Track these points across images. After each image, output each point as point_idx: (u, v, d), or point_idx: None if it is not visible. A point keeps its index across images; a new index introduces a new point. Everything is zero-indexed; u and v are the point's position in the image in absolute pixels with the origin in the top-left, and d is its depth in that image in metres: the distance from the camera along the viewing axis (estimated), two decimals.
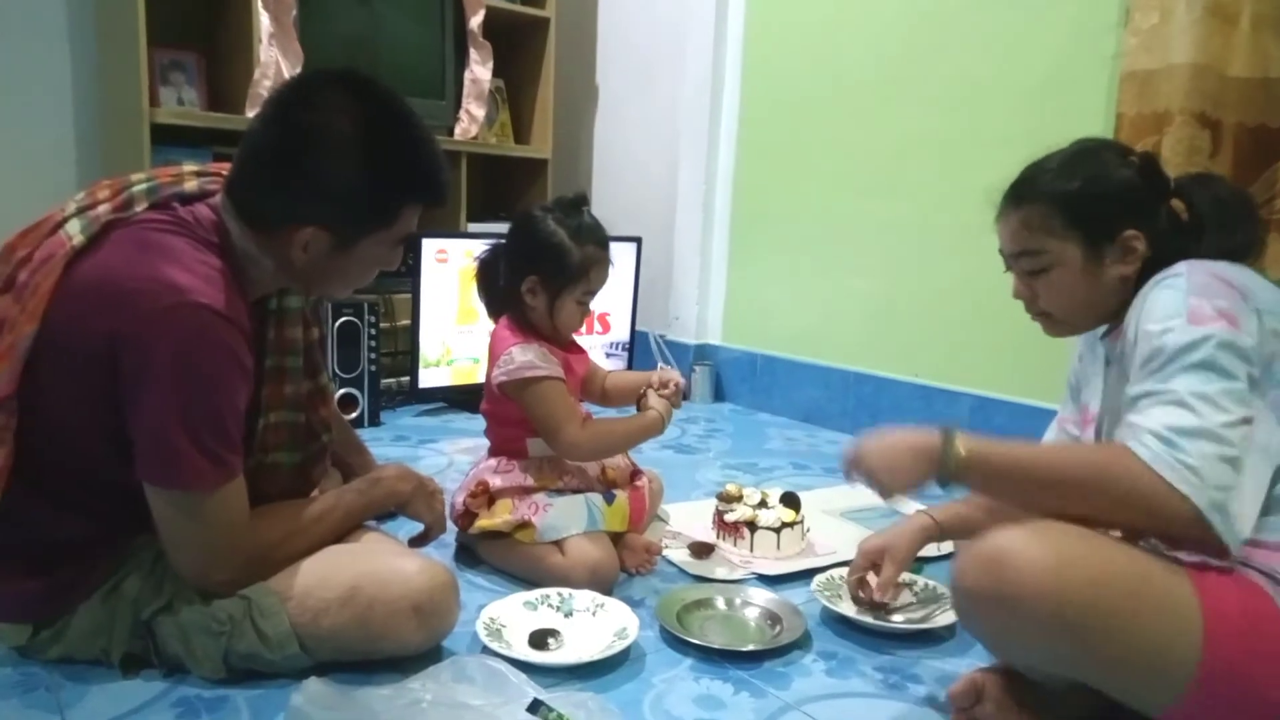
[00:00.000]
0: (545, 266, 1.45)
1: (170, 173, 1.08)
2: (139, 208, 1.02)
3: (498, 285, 1.52)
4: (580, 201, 1.49)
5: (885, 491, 1.12)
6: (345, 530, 1.14)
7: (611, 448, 1.51)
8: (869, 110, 2.44)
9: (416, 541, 1.29)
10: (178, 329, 0.93)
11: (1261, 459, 0.90)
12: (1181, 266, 0.99)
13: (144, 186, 1.04)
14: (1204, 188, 1.09)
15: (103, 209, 1.01)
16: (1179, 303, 0.94)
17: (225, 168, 1.09)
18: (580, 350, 1.58)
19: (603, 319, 2.81)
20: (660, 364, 1.67)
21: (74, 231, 0.98)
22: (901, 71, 2.34)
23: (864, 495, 1.90)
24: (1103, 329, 1.15)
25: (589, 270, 1.46)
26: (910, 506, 1.83)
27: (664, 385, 1.56)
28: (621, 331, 2.88)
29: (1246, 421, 0.89)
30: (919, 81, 2.30)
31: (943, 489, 1.05)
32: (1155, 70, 1.74)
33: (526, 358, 1.44)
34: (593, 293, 1.49)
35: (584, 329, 1.65)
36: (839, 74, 2.50)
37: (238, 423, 1.01)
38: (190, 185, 1.06)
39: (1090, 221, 1.06)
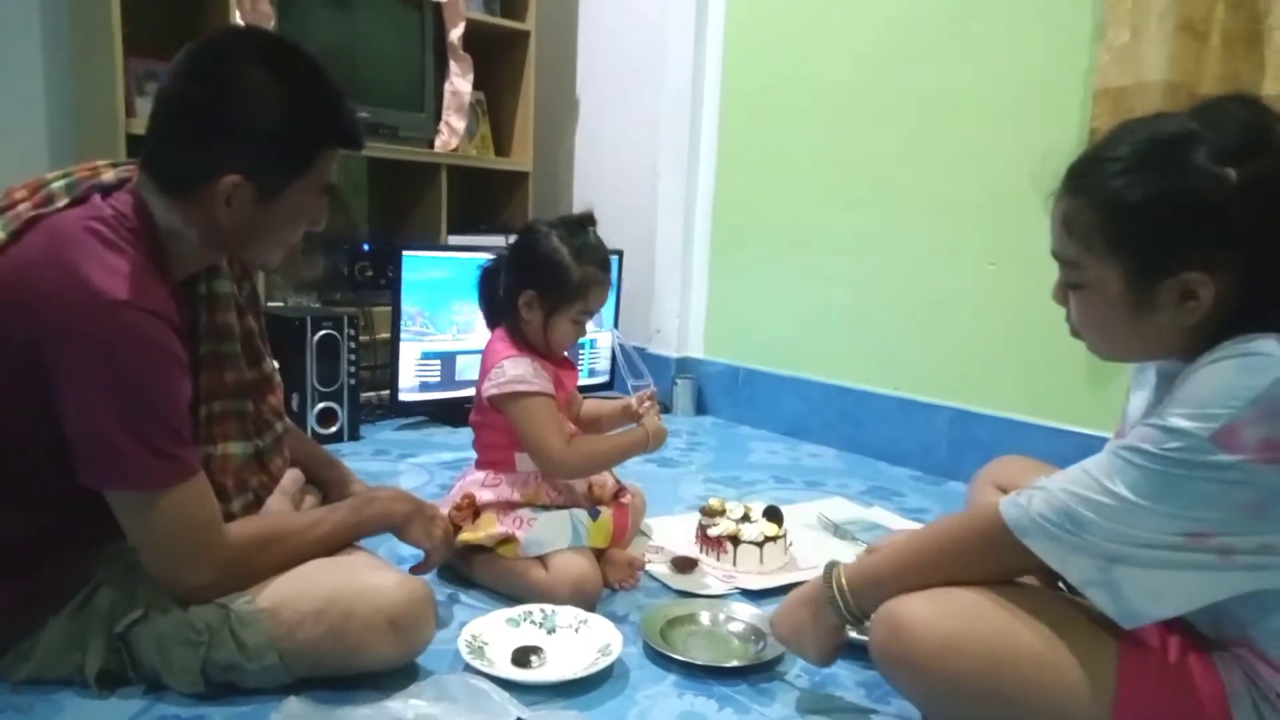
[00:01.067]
0: (544, 282, 1.45)
1: (87, 167, 1.07)
2: (59, 203, 1.00)
3: (497, 295, 1.52)
4: (587, 220, 1.50)
5: (806, 658, 1.10)
6: (333, 547, 1.12)
7: (597, 465, 1.51)
8: (848, 123, 2.46)
9: (417, 569, 1.27)
10: (99, 330, 0.91)
11: (1229, 576, 0.78)
12: None
13: (62, 183, 1.03)
14: None
15: (23, 207, 0.99)
16: (1231, 402, 0.75)
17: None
18: (572, 366, 1.58)
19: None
20: (631, 382, 1.67)
21: None
22: (880, 84, 2.37)
23: (846, 509, 1.92)
24: (1170, 366, 0.94)
25: (588, 290, 1.46)
26: (900, 524, 1.84)
27: (642, 403, 1.57)
28: (602, 358, 2.87)
29: (1201, 548, 0.77)
30: (897, 94, 2.33)
31: (855, 624, 1.03)
32: (1128, 87, 1.76)
33: (518, 371, 1.43)
34: (590, 313, 1.49)
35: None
36: (818, 86, 2.52)
37: (181, 416, 0.99)
38: (108, 176, 1.05)
39: (1140, 249, 0.82)
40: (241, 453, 1.14)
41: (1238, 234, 0.78)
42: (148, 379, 0.95)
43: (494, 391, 1.44)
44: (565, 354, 1.56)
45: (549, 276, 1.45)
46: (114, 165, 1.07)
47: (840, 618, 1.01)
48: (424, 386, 2.50)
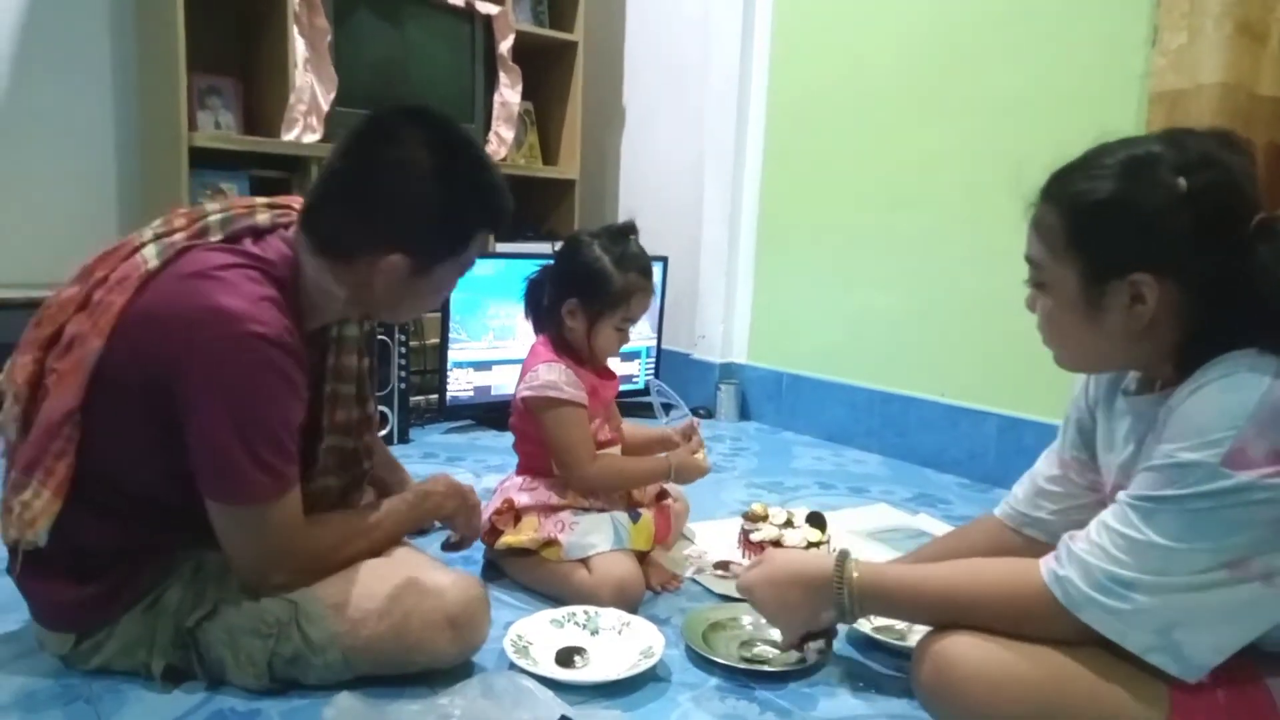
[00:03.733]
0: (586, 290, 1.48)
1: (244, 204, 1.13)
2: (213, 238, 1.07)
3: (542, 304, 1.55)
4: (628, 230, 1.52)
5: (787, 640, 1.11)
6: (393, 541, 1.18)
7: (616, 486, 1.52)
8: (895, 126, 2.44)
9: (450, 546, 1.36)
10: (230, 354, 0.96)
11: (1275, 600, 0.78)
12: (1269, 366, 0.78)
13: (219, 218, 1.09)
14: None
15: (179, 236, 1.06)
16: (1231, 425, 0.76)
17: (296, 201, 1.14)
18: (611, 375, 1.60)
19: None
20: (665, 419, 1.69)
21: (150, 255, 1.03)
22: (928, 87, 2.35)
23: (891, 515, 1.91)
24: (1126, 379, 0.98)
25: (630, 297, 1.48)
26: (943, 530, 1.82)
27: (686, 435, 1.60)
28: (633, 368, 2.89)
29: (1243, 576, 0.77)
30: (945, 97, 2.31)
31: (848, 622, 1.02)
32: (1184, 90, 1.73)
33: (551, 377, 1.46)
34: (632, 320, 1.52)
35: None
36: (865, 91, 2.51)
37: (293, 437, 1.05)
38: (263, 218, 1.11)
39: (1092, 249, 0.86)
40: (338, 484, 1.21)
41: (1184, 240, 0.81)
42: (269, 400, 1.00)
43: (528, 393, 1.47)
44: (606, 363, 1.58)
45: (591, 285, 1.47)
46: (270, 207, 1.13)
47: (837, 611, 1.00)
48: (454, 399, 2.54)
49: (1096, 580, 0.81)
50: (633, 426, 1.70)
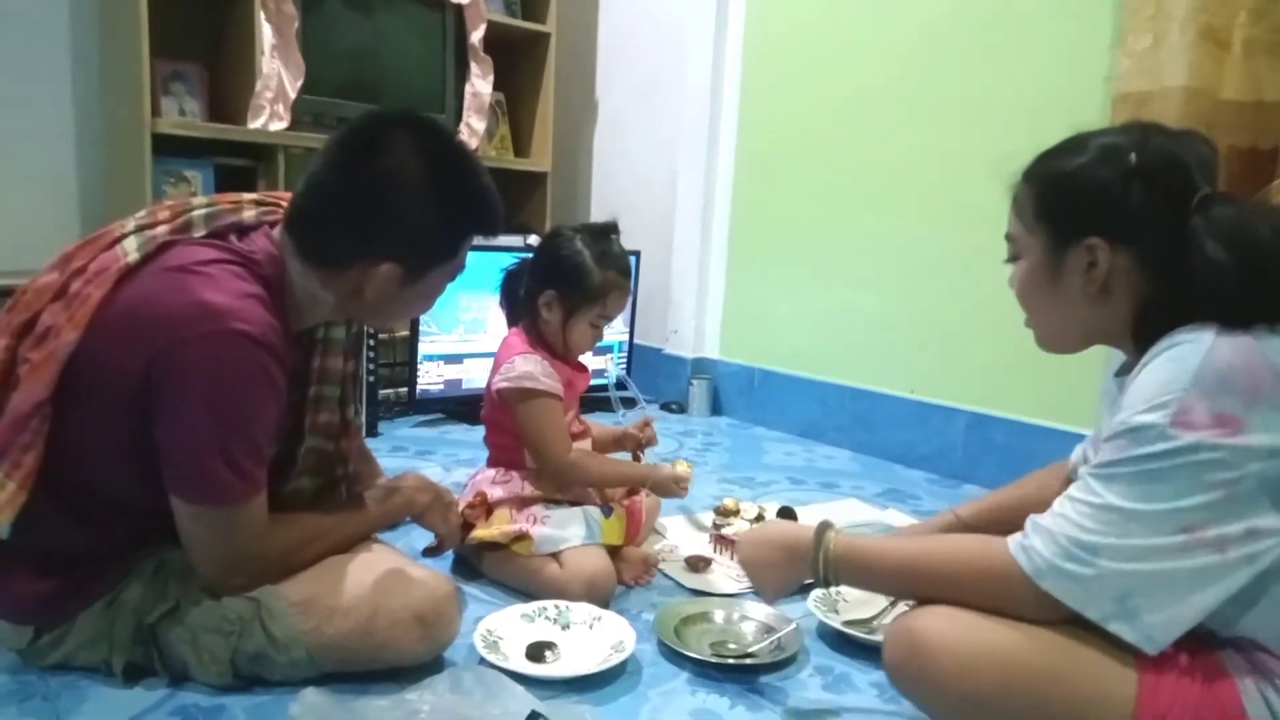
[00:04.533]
0: (565, 283, 1.48)
1: (230, 199, 1.11)
2: (197, 233, 1.04)
3: (518, 296, 1.54)
4: (610, 229, 1.53)
5: (760, 591, 1.13)
6: (361, 537, 1.16)
7: (594, 483, 1.52)
8: (867, 126, 2.46)
9: (430, 552, 1.33)
10: (212, 351, 0.94)
11: (1229, 574, 0.81)
12: (1207, 336, 0.83)
13: (203, 212, 1.06)
14: (1228, 211, 0.86)
15: (161, 229, 1.03)
16: (1176, 389, 0.81)
17: (284, 198, 1.12)
18: (584, 369, 1.60)
19: None
20: (622, 411, 1.72)
21: (130, 248, 1.01)
22: (899, 89, 2.37)
23: (861, 510, 1.92)
24: (1121, 364, 1.01)
25: (607, 294, 1.49)
26: (907, 523, 1.84)
27: (643, 429, 1.63)
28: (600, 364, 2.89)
29: (1197, 544, 0.80)
30: (915, 99, 2.33)
31: (823, 587, 1.05)
32: (1149, 92, 1.76)
33: (528, 368, 1.45)
34: (608, 317, 1.52)
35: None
36: (837, 90, 2.53)
37: (268, 439, 1.03)
38: (248, 214, 1.09)
39: (1055, 216, 0.95)
40: (311, 488, 1.19)
41: (1133, 210, 0.90)
42: (248, 402, 0.98)
43: (503, 385, 1.46)
44: (579, 358, 1.58)
45: (570, 278, 1.47)
46: (257, 203, 1.11)
47: (811, 573, 1.01)
48: (423, 392, 2.52)
49: (1061, 546, 0.84)
50: (593, 423, 1.69)
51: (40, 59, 2.41)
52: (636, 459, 1.65)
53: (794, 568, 1.04)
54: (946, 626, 0.89)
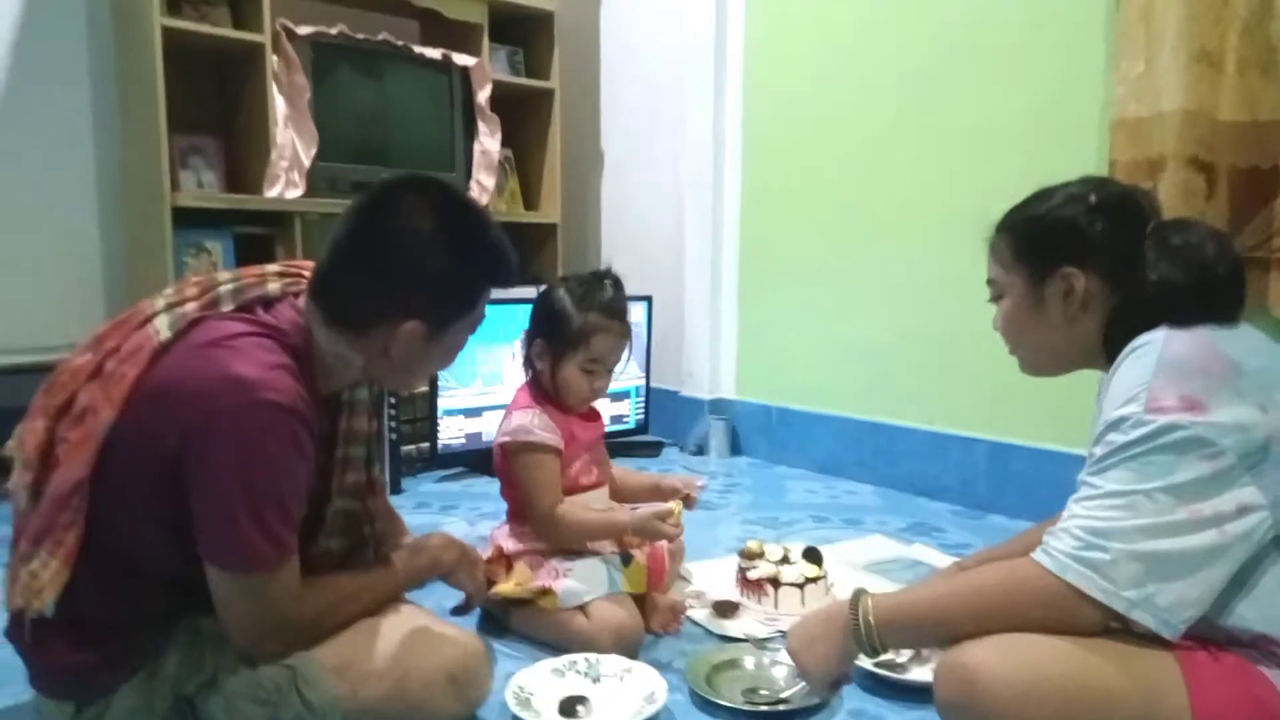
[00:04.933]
0: (549, 331, 1.50)
1: (254, 273, 1.14)
2: (225, 308, 1.07)
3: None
4: (602, 275, 1.53)
5: (809, 678, 1.12)
6: (390, 598, 1.17)
7: (575, 538, 1.48)
8: (870, 161, 2.49)
9: (459, 611, 1.34)
10: (242, 421, 0.97)
11: (1229, 551, 0.86)
12: (1160, 334, 0.94)
13: (230, 287, 1.09)
14: (1177, 234, 1.00)
15: (190, 306, 1.06)
16: (1142, 382, 0.90)
17: (306, 267, 1.15)
18: (595, 417, 1.60)
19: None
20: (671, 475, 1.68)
21: (162, 326, 1.03)
22: (900, 122, 2.40)
23: (887, 546, 1.92)
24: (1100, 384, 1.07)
25: (589, 336, 1.47)
26: (943, 561, 1.83)
27: (675, 492, 1.57)
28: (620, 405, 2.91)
29: (1196, 522, 0.85)
30: (916, 132, 2.36)
31: (871, 656, 1.06)
32: (1146, 117, 1.77)
33: (523, 421, 1.47)
34: (598, 361, 1.50)
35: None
36: (837, 126, 2.57)
37: (299, 505, 1.05)
38: (273, 287, 1.12)
39: (1032, 254, 1.06)
40: (340, 548, 1.20)
41: (1098, 240, 1.02)
42: (279, 469, 1.00)
43: (502, 439, 1.49)
44: (590, 406, 1.58)
45: (553, 325, 1.49)
46: (281, 275, 1.14)
47: (860, 648, 1.02)
48: (445, 447, 2.54)
49: (1076, 538, 0.89)
50: (625, 471, 1.70)
51: (62, 139, 2.49)
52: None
53: (835, 641, 1.05)
54: (997, 659, 0.90)
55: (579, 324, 1.47)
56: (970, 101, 2.23)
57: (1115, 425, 0.91)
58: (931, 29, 2.30)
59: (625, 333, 1.52)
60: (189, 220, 2.35)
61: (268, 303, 1.10)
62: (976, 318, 2.24)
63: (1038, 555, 0.91)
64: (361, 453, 1.22)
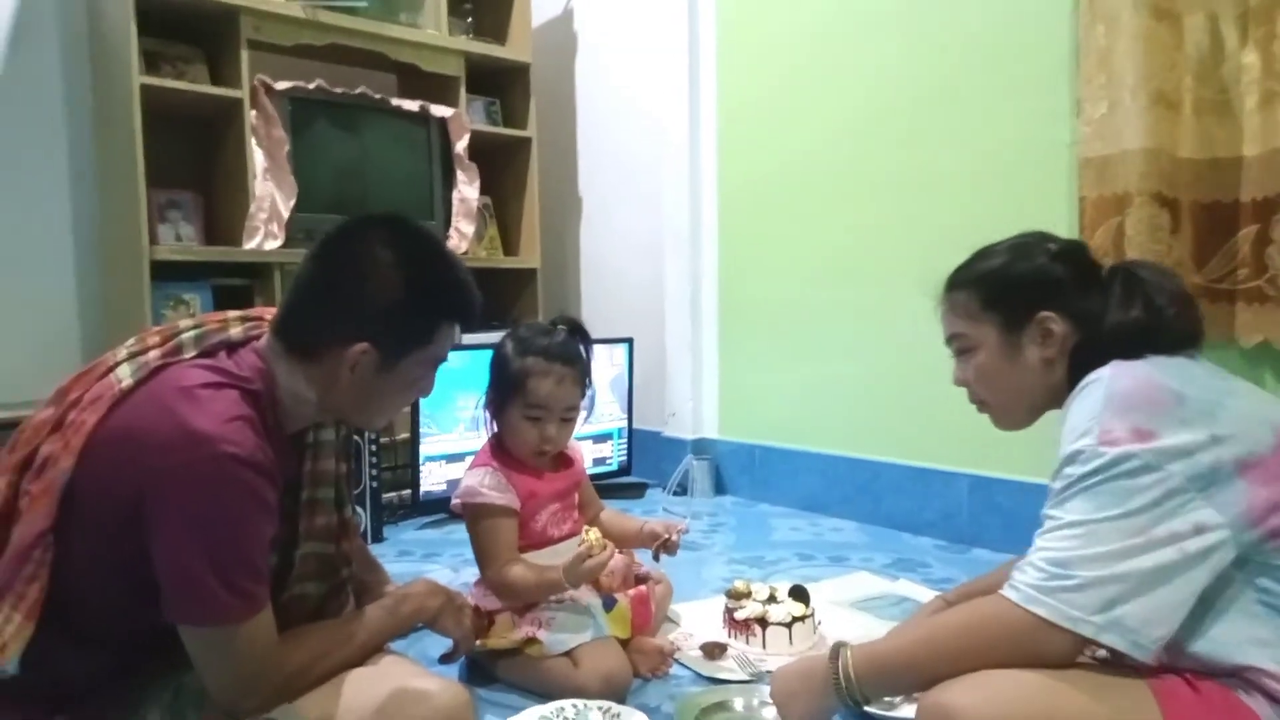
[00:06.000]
0: (492, 381, 1.50)
1: (217, 319, 1.14)
2: (187, 354, 1.07)
3: None
4: (557, 322, 1.52)
5: None
6: (374, 649, 1.15)
7: (518, 597, 1.45)
8: (842, 201, 2.54)
9: (446, 659, 1.33)
10: (199, 475, 0.96)
11: (1190, 569, 0.88)
12: (1106, 370, 0.98)
13: (192, 334, 1.09)
14: (1132, 273, 1.07)
15: (153, 354, 1.06)
16: (1093, 416, 0.94)
17: (268, 312, 1.15)
18: (567, 465, 1.59)
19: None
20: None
21: (124, 375, 1.03)
22: (869, 166, 2.45)
23: (872, 583, 1.92)
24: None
25: (525, 379, 1.45)
26: (928, 596, 1.83)
27: (655, 538, 1.56)
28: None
29: (1153, 542, 0.88)
30: (887, 174, 2.41)
31: (855, 709, 1.06)
32: (1110, 155, 1.83)
33: (471, 482, 1.47)
34: (538, 406, 1.45)
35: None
36: (810, 169, 2.62)
37: (263, 557, 1.03)
38: (235, 331, 1.12)
39: (1004, 304, 1.10)
40: (316, 593, 1.18)
41: (1064, 284, 1.08)
42: (239, 523, 0.99)
43: (455, 502, 1.49)
44: (564, 453, 1.55)
45: (494, 373, 1.50)
46: (243, 319, 1.15)
47: (841, 701, 1.03)
48: (427, 494, 2.53)
49: (1040, 569, 0.91)
50: (613, 514, 1.69)
51: (40, 194, 2.50)
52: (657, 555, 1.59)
53: (816, 694, 1.06)
54: (973, 695, 0.90)
55: (516, 368, 1.46)
56: (943, 143, 2.28)
57: (1071, 459, 0.94)
58: (906, 73, 2.36)
59: (569, 377, 1.47)
60: (167, 273, 2.35)
61: (230, 347, 1.10)
62: (948, 353, 2.28)
63: (1006, 591, 0.93)
64: (330, 495, 1.21)
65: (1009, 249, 1.13)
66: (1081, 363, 1.04)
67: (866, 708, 1.25)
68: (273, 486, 1.02)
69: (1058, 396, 1.09)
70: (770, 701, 1.31)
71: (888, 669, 1.02)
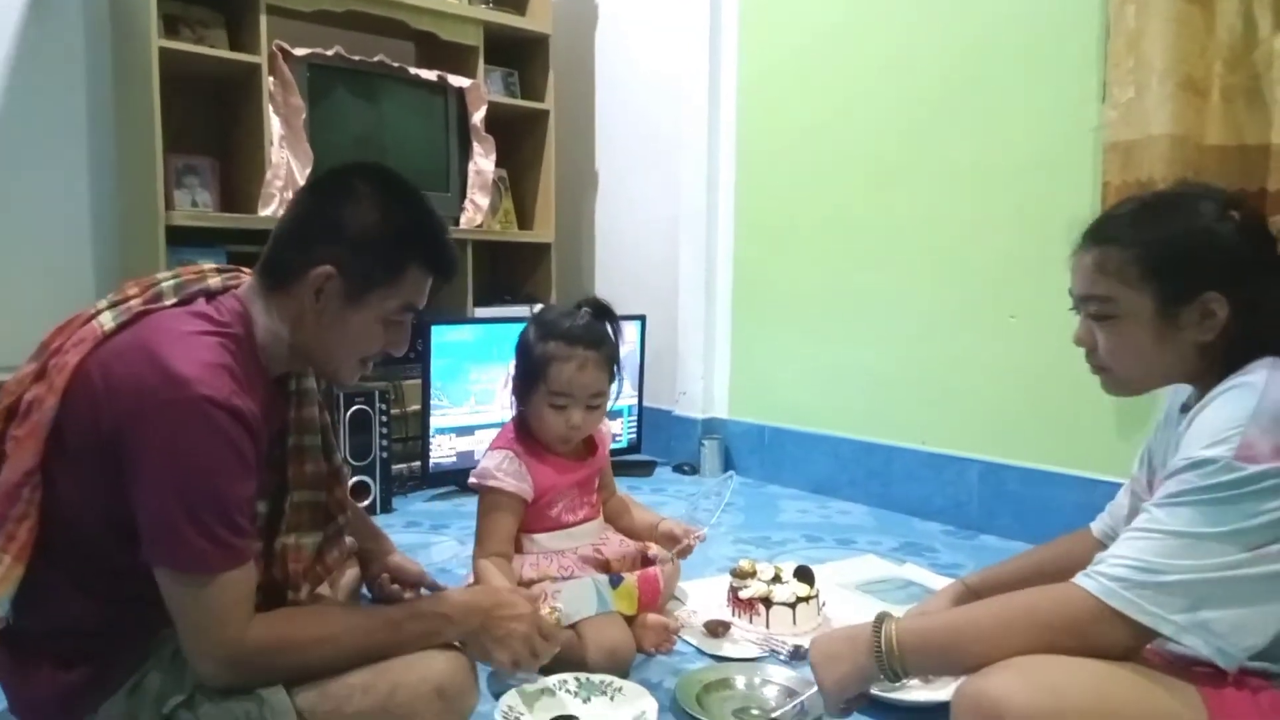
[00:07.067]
0: (518, 366, 1.50)
1: (194, 271, 1.14)
2: (167, 301, 1.07)
3: None
4: (581, 303, 1.50)
5: (824, 695, 1.07)
6: (377, 653, 1.07)
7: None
8: (862, 185, 2.51)
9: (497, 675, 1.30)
10: (176, 418, 0.95)
11: None
12: (1262, 373, 0.90)
13: (171, 283, 1.10)
14: None
15: (134, 302, 1.06)
16: (1236, 425, 0.86)
17: (246, 270, 1.16)
18: (591, 452, 1.58)
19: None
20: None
21: (106, 320, 1.04)
22: (894, 149, 2.42)
23: (879, 566, 1.91)
24: (1184, 398, 1.06)
25: (546, 366, 1.43)
26: (934, 581, 1.83)
27: (672, 539, 1.55)
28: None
29: (1262, 558, 0.84)
30: (911, 158, 2.38)
31: (891, 680, 1.01)
32: (1136, 140, 1.80)
33: (488, 464, 1.48)
34: (561, 394, 1.43)
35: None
36: (833, 153, 2.59)
37: (241, 509, 1.01)
38: (214, 281, 1.13)
39: (1170, 276, 0.97)
40: (312, 543, 1.18)
41: (1242, 262, 0.96)
42: (214, 467, 0.98)
43: (471, 480, 1.50)
44: (569, 443, 1.52)
45: (518, 358, 1.49)
46: (220, 271, 1.15)
47: (880, 671, 0.99)
48: (436, 465, 2.54)
49: (1128, 567, 0.87)
50: (633, 505, 1.69)
51: (58, 158, 2.50)
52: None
53: (856, 661, 1.02)
54: (1018, 682, 0.86)
55: (538, 354, 1.45)
56: (966, 124, 2.25)
57: (1198, 465, 0.87)
58: (930, 52, 2.33)
59: (592, 361, 1.44)
60: (183, 239, 2.36)
61: (209, 295, 1.10)
62: (967, 341, 2.28)
63: (1083, 580, 0.89)
64: (316, 441, 1.20)
65: (1183, 210, 0.98)
66: (1238, 353, 0.94)
67: (882, 692, 1.24)
68: (250, 436, 1.00)
69: (1190, 375, 1.01)
70: (773, 681, 1.33)
71: (931, 642, 0.98)
